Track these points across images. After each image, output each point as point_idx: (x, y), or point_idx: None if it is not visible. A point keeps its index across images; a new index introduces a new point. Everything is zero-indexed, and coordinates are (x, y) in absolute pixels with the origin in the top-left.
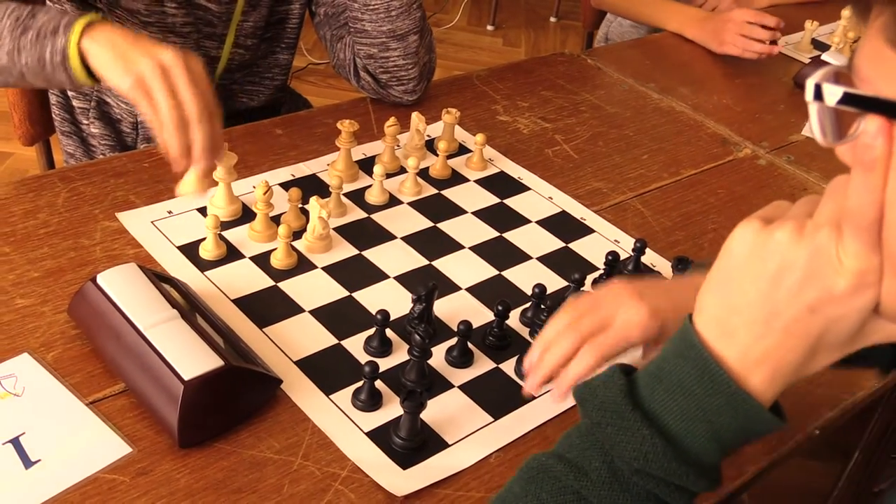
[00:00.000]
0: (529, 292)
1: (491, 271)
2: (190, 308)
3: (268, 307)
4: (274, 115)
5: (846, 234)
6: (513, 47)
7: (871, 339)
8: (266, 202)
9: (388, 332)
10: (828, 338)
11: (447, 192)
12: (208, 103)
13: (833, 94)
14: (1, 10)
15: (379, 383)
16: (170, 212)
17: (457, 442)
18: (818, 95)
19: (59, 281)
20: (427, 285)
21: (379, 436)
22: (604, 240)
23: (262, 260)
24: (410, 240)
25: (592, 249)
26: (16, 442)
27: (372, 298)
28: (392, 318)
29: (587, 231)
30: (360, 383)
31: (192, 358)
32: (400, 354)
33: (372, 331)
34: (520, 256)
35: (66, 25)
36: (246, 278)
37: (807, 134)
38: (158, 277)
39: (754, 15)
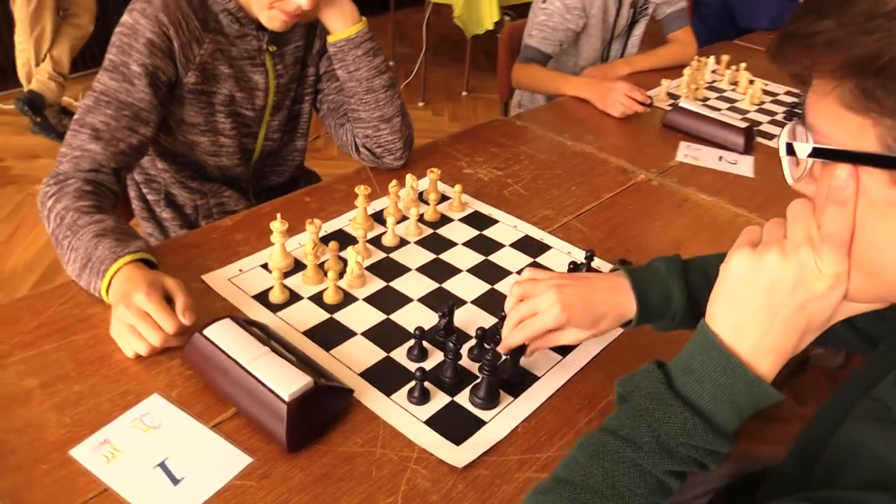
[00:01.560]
0: None
1: (485, 286)
2: (276, 343)
3: (329, 334)
4: (295, 188)
5: (824, 249)
6: (439, 117)
7: (839, 317)
8: (315, 254)
9: (424, 343)
10: (813, 324)
11: (440, 231)
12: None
13: (803, 149)
14: (85, 234)
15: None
16: (240, 270)
17: (491, 419)
18: (790, 151)
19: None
20: (448, 303)
21: (434, 422)
22: (560, 253)
23: (317, 299)
24: (423, 270)
25: (553, 261)
26: (163, 465)
27: (404, 318)
28: (418, 324)
29: (546, 248)
30: (412, 384)
31: (288, 382)
32: (434, 358)
33: (412, 342)
34: (503, 272)
35: (105, 270)
36: (308, 314)
37: (679, 160)
38: (248, 323)
39: (631, 89)
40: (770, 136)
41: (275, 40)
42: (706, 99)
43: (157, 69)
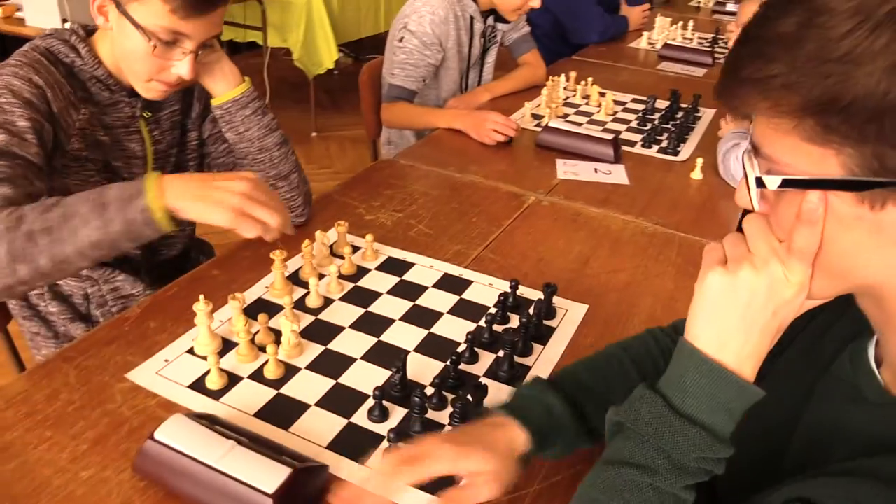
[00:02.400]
0: (462, 339)
1: (422, 332)
2: (235, 434)
3: (282, 412)
4: (188, 260)
5: (793, 262)
6: None
7: (800, 312)
8: (247, 331)
9: (384, 402)
10: (783, 325)
11: (361, 284)
12: (277, 198)
13: (773, 181)
14: (75, 199)
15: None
16: (166, 360)
17: None
18: (760, 184)
19: (108, 446)
20: (399, 357)
21: None
22: (482, 286)
23: (257, 376)
24: (356, 326)
25: (479, 295)
26: None
27: (353, 379)
28: (369, 384)
29: (468, 283)
30: (384, 446)
31: (265, 474)
32: (395, 414)
33: (371, 403)
34: (435, 315)
35: (138, 191)
36: (253, 395)
37: (561, 177)
38: (200, 417)
39: (501, 119)
40: (631, 143)
41: (149, 106)
42: (566, 115)
43: (42, 126)
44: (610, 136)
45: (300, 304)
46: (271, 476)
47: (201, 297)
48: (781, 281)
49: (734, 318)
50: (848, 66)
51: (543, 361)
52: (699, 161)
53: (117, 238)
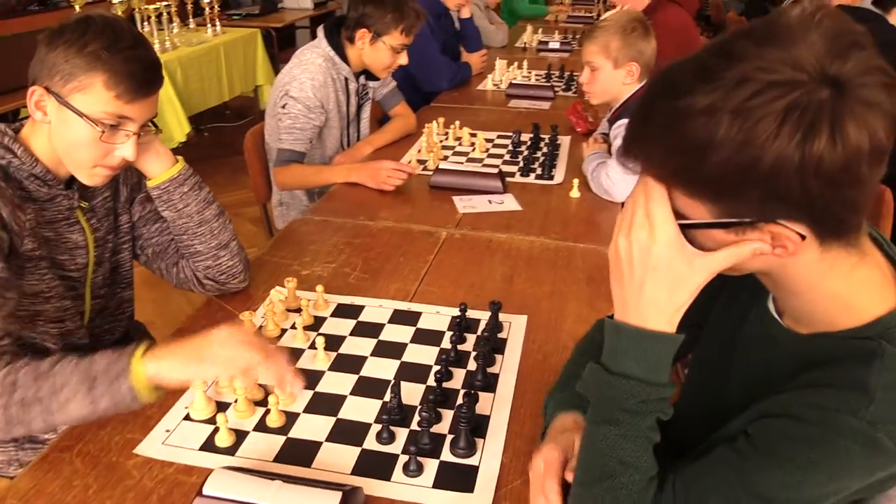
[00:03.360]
0: (430, 362)
1: (395, 362)
2: (274, 476)
3: (298, 452)
4: (128, 342)
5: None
6: None
7: (710, 275)
8: (246, 388)
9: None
10: (676, 277)
11: (323, 331)
12: (267, 344)
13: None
14: (65, 367)
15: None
16: (167, 430)
17: (480, 462)
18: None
19: None
20: (392, 385)
21: (441, 483)
22: (431, 315)
23: (261, 427)
24: (335, 369)
25: (431, 323)
26: None
27: (352, 413)
28: (366, 414)
29: (418, 315)
30: (404, 460)
31: (318, 500)
32: (400, 434)
33: (378, 428)
34: (400, 346)
35: (123, 370)
36: (266, 444)
37: (462, 212)
38: (233, 468)
39: (395, 165)
40: (511, 174)
41: (84, 196)
42: (446, 157)
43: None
44: (495, 170)
45: None
46: (323, 501)
47: None
48: (647, 239)
49: (624, 282)
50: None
51: (507, 368)
52: (575, 182)
53: (105, 411)
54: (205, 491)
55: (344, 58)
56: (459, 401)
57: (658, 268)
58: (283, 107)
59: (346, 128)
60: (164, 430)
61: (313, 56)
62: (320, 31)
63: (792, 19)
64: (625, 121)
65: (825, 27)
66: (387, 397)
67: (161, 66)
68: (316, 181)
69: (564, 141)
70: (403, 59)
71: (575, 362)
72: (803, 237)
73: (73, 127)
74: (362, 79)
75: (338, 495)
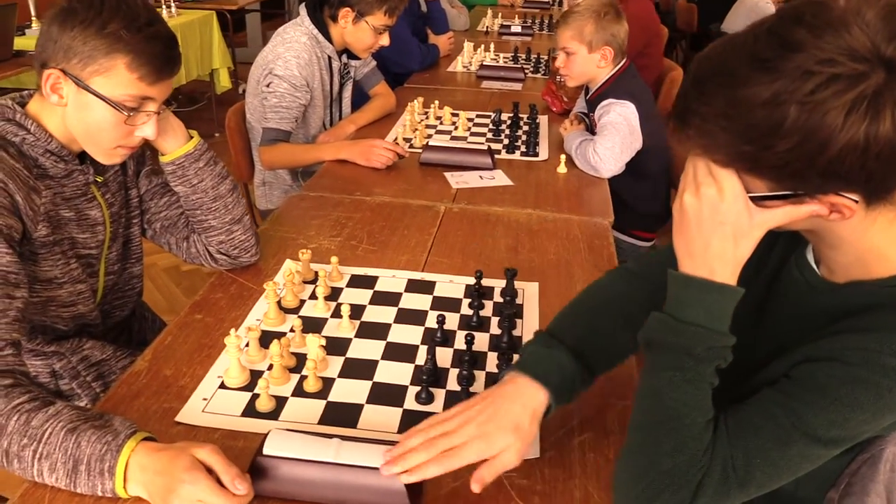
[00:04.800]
0: (451, 327)
1: (418, 328)
2: (328, 435)
3: (341, 415)
4: (134, 318)
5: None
6: None
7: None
8: (280, 355)
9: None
10: (740, 230)
11: (341, 301)
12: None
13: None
14: (52, 439)
15: None
16: (204, 398)
17: None
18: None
19: None
20: (428, 345)
21: None
22: (445, 283)
23: (299, 392)
24: (361, 335)
25: (447, 291)
26: None
27: (384, 376)
28: (400, 377)
29: (432, 284)
30: None
31: (380, 454)
32: (437, 394)
33: (418, 388)
34: (421, 314)
35: (109, 469)
36: (306, 408)
37: (456, 187)
38: (287, 430)
39: (387, 144)
40: (497, 152)
41: (97, 170)
42: (430, 135)
43: (10, 228)
44: (484, 147)
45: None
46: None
47: (232, 331)
48: (716, 197)
49: (692, 236)
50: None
51: (528, 331)
52: (562, 157)
53: (80, 492)
54: (265, 451)
55: (327, 36)
56: (489, 363)
57: (726, 222)
58: (268, 85)
59: (330, 107)
60: (202, 398)
61: (297, 34)
62: (302, 9)
63: (842, 1)
64: (610, 101)
65: (880, 6)
66: (419, 360)
67: (178, 42)
68: (305, 159)
69: (543, 119)
70: (385, 41)
71: (564, 313)
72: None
73: (95, 110)
74: (344, 57)
75: None
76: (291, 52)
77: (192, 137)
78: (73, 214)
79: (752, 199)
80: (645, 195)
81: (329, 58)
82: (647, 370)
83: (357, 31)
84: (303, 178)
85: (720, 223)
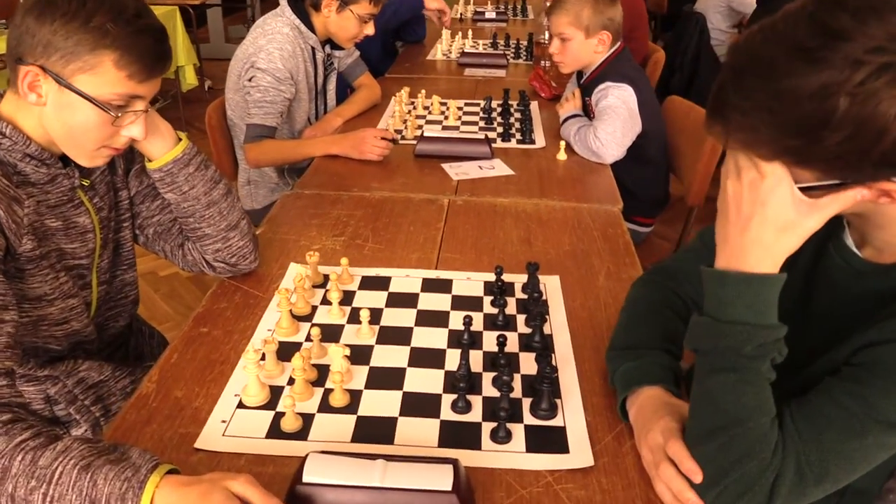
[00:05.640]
0: (476, 328)
1: (443, 331)
2: (369, 456)
3: (375, 431)
4: (131, 332)
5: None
6: None
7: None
8: (303, 369)
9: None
10: (780, 215)
11: (355, 305)
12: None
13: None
14: (64, 481)
15: None
16: (223, 421)
17: (565, 422)
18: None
19: None
20: (461, 349)
21: (534, 447)
22: (462, 281)
23: (325, 408)
24: (382, 341)
25: (465, 289)
26: None
27: (414, 385)
28: (431, 384)
29: (449, 282)
30: (492, 427)
31: (430, 477)
32: (474, 402)
33: (454, 397)
34: (443, 315)
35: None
36: (335, 425)
37: (456, 179)
38: (324, 452)
39: (379, 132)
40: (492, 140)
41: (83, 173)
42: (420, 126)
43: None
44: (481, 137)
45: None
46: (438, 476)
47: (250, 346)
48: (757, 177)
49: (730, 221)
50: None
51: (557, 328)
52: (562, 144)
53: None
54: (304, 478)
55: (310, 26)
56: (523, 365)
57: (766, 203)
58: (251, 80)
59: (315, 100)
60: (220, 420)
61: (278, 25)
62: None
63: None
64: (607, 84)
65: None
66: (448, 365)
67: (168, 36)
68: (294, 156)
69: (534, 105)
70: (370, 30)
71: (628, 328)
72: None
73: (78, 111)
74: (328, 48)
75: (449, 468)
76: (274, 43)
77: (180, 140)
78: (60, 224)
79: (801, 189)
80: (646, 180)
81: (312, 48)
82: (699, 374)
83: (341, 21)
84: (289, 175)
85: (761, 203)
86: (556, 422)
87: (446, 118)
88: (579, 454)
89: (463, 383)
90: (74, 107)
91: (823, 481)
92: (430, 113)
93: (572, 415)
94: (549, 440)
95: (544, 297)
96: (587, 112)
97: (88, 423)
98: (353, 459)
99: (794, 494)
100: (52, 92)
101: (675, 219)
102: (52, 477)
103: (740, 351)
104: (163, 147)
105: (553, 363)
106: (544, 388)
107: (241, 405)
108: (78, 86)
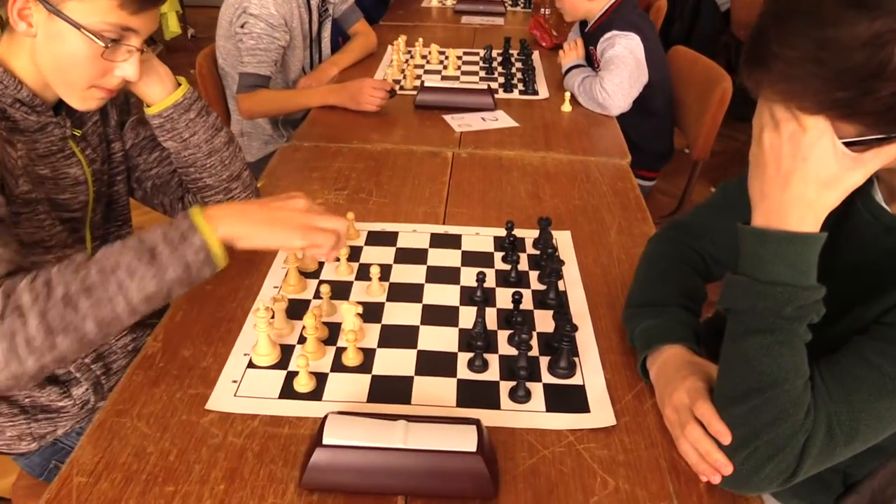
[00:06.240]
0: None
1: (454, 287)
2: (390, 416)
3: (391, 390)
4: None
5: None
6: None
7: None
8: (315, 327)
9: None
10: (822, 169)
11: (364, 261)
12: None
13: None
14: (108, 251)
15: None
16: (234, 381)
17: (584, 381)
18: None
19: (247, 478)
20: (477, 309)
21: (554, 406)
22: (472, 236)
23: (338, 367)
24: (392, 299)
25: (475, 244)
26: None
27: (429, 343)
28: (446, 343)
29: (458, 237)
30: (512, 385)
31: (454, 438)
32: (491, 360)
33: (470, 355)
34: (453, 271)
35: (189, 229)
36: (350, 385)
37: (459, 131)
38: (343, 412)
39: (377, 83)
40: (494, 91)
41: (75, 123)
42: (419, 76)
43: None
44: (484, 87)
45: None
46: (461, 437)
47: (261, 305)
48: (798, 130)
49: (768, 177)
50: None
51: (571, 284)
52: (567, 95)
53: (173, 285)
54: (325, 440)
55: None
56: (539, 322)
57: (808, 159)
58: (242, 26)
59: (309, 48)
60: (231, 380)
61: None
62: None
63: None
64: (613, 33)
65: None
66: (462, 323)
67: None
68: (290, 106)
69: (535, 56)
70: None
71: (645, 285)
72: None
73: (67, 41)
74: None
75: (472, 429)
76: None
77: (179, 84)
78: (50, 173)
79: (844, 143)
80: (651, 133)
81: None
82: (732, 335)
83: None
84: (284, 127)
85: (802, 159)
86: (574, 380)
87: (445, 68)
88: (600, 413)
89: (480, 342)
90: (64, 36)
91: (853, 441)
92: (428, 62)
93: (591, 373)
94: (568, 399)
95: (558, 253)
96: (591, 62)
97: (89, 382)
98: (373, 420)
99: (823, 455)
100: (42, 21)
101: (675, 172)
102: (100, 258)
103: (780, 312)
104: (161, 91)
105: (572, 321)
106: (564, 347)
107: (251, 364)
108: (67, 13)
